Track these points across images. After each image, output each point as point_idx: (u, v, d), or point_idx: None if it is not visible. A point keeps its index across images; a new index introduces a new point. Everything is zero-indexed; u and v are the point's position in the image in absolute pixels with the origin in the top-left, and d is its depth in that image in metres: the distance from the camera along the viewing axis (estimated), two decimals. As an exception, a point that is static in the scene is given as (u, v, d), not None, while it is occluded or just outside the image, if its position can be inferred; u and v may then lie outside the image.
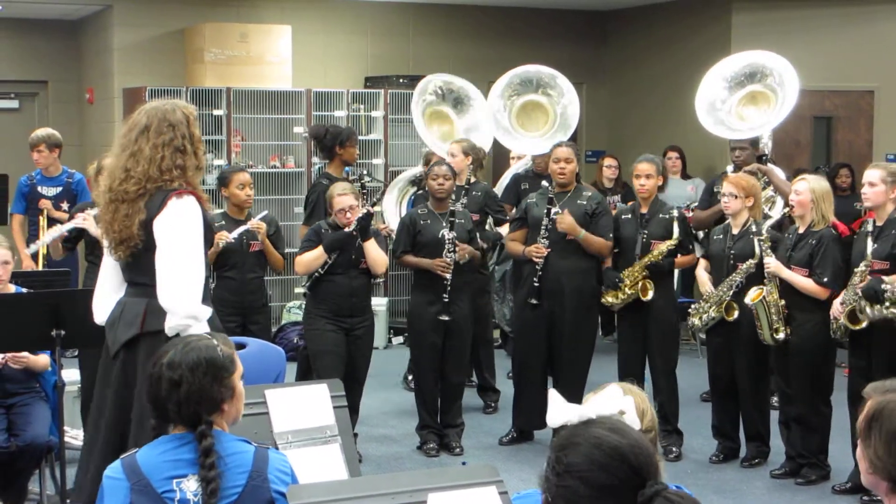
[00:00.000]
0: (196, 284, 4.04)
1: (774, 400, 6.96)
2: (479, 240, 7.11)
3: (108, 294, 4.30)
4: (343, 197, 6.46)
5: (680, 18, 11.62)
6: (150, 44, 10.70)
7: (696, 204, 8.43)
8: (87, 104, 11.39)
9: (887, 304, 5.81)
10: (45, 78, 11.56)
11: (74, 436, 6.18)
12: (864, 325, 5.97)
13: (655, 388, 6.80)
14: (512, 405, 7.17)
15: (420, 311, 6.84)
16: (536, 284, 6.79)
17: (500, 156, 10.10)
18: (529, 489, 2.79)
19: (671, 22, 11.72)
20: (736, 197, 6.52)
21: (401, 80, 10.97)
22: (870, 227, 6.08)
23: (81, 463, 4.36)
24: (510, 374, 8.62)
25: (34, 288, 5.77)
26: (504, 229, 7.69)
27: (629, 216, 6.93)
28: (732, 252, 6.54)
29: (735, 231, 6.59)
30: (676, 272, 8.10)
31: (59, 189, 8.70)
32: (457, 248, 6.68)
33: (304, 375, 6.96)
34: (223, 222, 6.72)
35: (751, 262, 6.37)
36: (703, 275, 6.75)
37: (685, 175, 10.25)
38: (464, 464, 6.42)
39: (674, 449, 6.72)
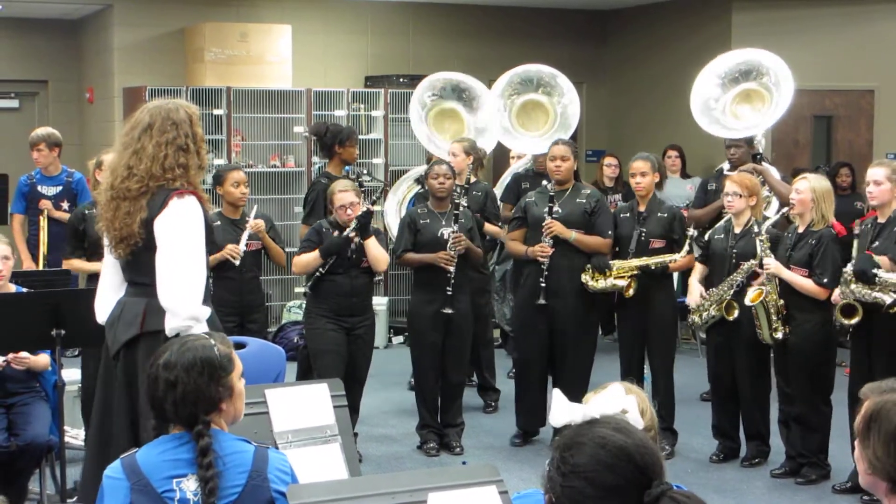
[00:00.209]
0: (197, 285, 4.04)
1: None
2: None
3: (108, 293, 4.30)
4: (344, 193, 6.47)
5: (680, 17, 11.63)
6: (151, 43, 10.70)
7: (692, 203, 8.42)
8: (87, 104, 11.39)
9: (877, 287, 5.82)
10: (45, 77, 11.56)
11: (75, 435, 6.18)
12: (857, 319, 5.98)
13: (654, 387, 6.81)
14: (515, 405, 7.15)
15: (420, 310, 6.84)
16: (543, 285, 6.78)
17: (500, 156, 10.10)
18: (530, 489, 2.79)
19: (671, 21, 11.73)
20: (740, 196, 6.52)
21: (401, 80, 10.98)
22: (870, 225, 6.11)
23: (87, 464, 4.35)
24: (510, 374, 8.64)
25: (34, 287, 5.77)
26: (493, 229, 7.70)
27: (628, 214, 6.93)
28: (735, 251, 6.54)
29: (737, 230, 6.59)
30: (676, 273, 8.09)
31: (59, 188, 8.70)
32: (455, 238, 6.67)
33: (305, 375, 6.96)
34: (219, 222, 6.72)
35: (752, 262, 6.36)
36: (695, 285, 6.73)
37: (685, 174, 10.25)
38: (464, 463, 6.42)
39: (666, 447, 6.72)
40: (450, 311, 6.71)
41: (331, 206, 6.58)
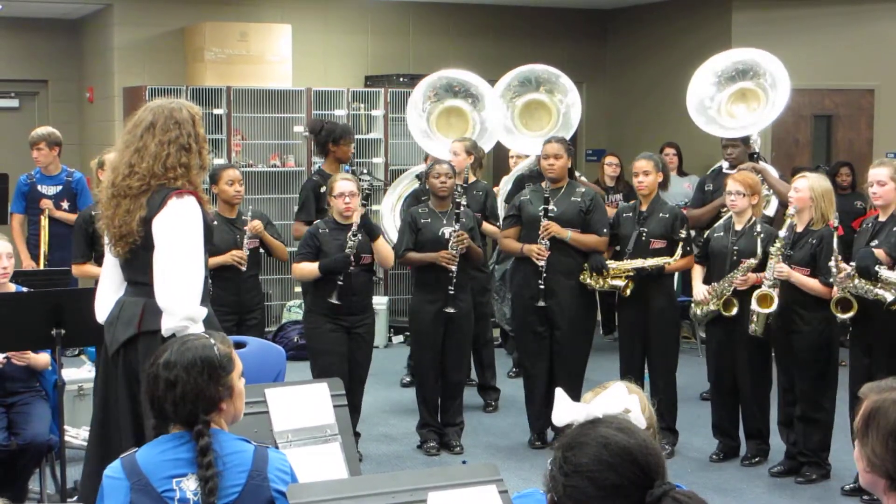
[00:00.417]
0: (194, 286, 4.04)
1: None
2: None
3: (108, 293, 4.30)
4: (344, 182, 6.49)
5: (680, 17, 11.63)
6: (151, 43, 10.70)
7: (689, 202, 8.42)
8: (87, 103, 11.39)
9: (879, 285, 5.83)
10: (45, 77, 11.56)
11: (75, 435, 6.18)
12: (852, 313, 6.00)
13: (654, 386, 6.80)
14: (527, 408, 7.12)
15: (421, 309, 6.84)
16: (542, 287, 6.78)
17: (501, 156, 10.10)
18: (530, 488, 2.79)
19: (671, 20, 11.73)
20: (743, 195, 6.53)
21: (401, 79, 10.98)
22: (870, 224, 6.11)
23: (87, 466, 4.35)
24: (511, 373, 8.65)
25: (34, 287, 5.77)
26: (492, 229, 7.70)
27: (630, 214, 6.93)
28: (735, 248, 6.54)
29: (738, 227, 6.59)
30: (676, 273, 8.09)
31: (59, 188, 8.70)
32: (457, 237, 6.67)
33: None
34: (216, 222, 6.72)
35: (752, 261, 6.35)
36: (698, 284, 6.73)
37: (681, 172, 10.24)
38: (464, 462, 6.42)
39: (667, 447, 6.72)
40: (452, 310, 6.71)
41: (328, 198, 6.58)
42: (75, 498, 5.16)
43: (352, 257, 6.35)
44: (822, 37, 10.96)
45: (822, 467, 6.36)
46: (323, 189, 7.32)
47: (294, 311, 9.86)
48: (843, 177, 9.97)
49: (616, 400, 2.37)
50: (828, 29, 10.99)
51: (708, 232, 6.92)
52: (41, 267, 8.36)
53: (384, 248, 6.54)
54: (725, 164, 7.91)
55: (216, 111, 10.03)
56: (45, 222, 8.61)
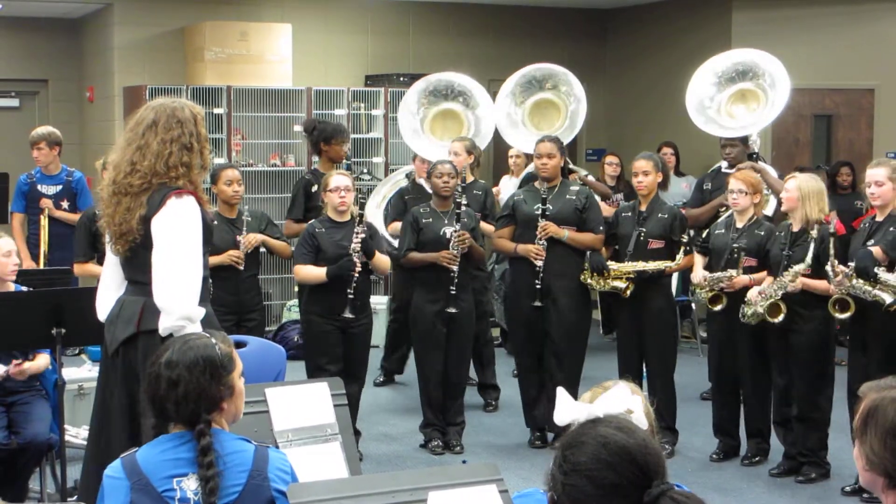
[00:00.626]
0: (192, 285, 4.04)
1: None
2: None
3: (109, 291, 4.31)
4: (339, 176, 6.51)
5: (680, 17, 11.63)
6: (151, 42, 10.70)
7: (688, 202, 8.41)
8: (87, 103, 11.39)
9: (878, 286, 5.84)
10: (45, 76, 11.56)
11: (75, 434, 6.18)
12: (849, 313, 6.02)
13: (651, 386, 6.81)
14: (524, 408, 7.13)
15: (423, 309, 6.83)
16: (539, 287, 6.78)
17: (501, 156, 10.09)
18: (530, 488, 2.79)
19: (672, 20, 11.72)
20: (745, 193, 6.54)
21: (401, 79, 10.97)
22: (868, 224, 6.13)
23: (86, 464, 4.35)
24: (515, 373, 8.64)
25: (34, 286, 5.77)
26: (490, 229, 7.69)
27: (629, 214, 6.93)
28: (735, 245, 6.55)
29: (739, 224, 6.61)
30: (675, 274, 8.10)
31: (59, 187, 8.71)
32: (459, 236, 6.67)
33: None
34: (216, 221, 6.71)
35: (801, 266, 6.22)
36: (699, 270, 6.74)
37: (678, 172, 10.24)
38: (464, 462, 6.41)
39: (667, 446, 6.72)
40: (454, 310, 6.71)
41: (323, 194, 6.57)
42: (75, 497, 5.16)
43: (356, 258, 6.34)
44: (822, 36, 10.96)
45: (821, 466, 6.37)
46: (314, 188, 7.33)
47: (294, 310, 9.85)
48: (844, 176, 9.97)
49: (619, 400, 2.37)
50: (828, 29, 10.99)
51: (711, 227, 6.95)
52: (41, 266, 8.37)
53: (381, 263, 6.55)
54: (724, 164, 7.92)
55: (216, 111, 10.04)
56: (44, 222, 8.62)
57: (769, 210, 7.56)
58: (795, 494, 6.18)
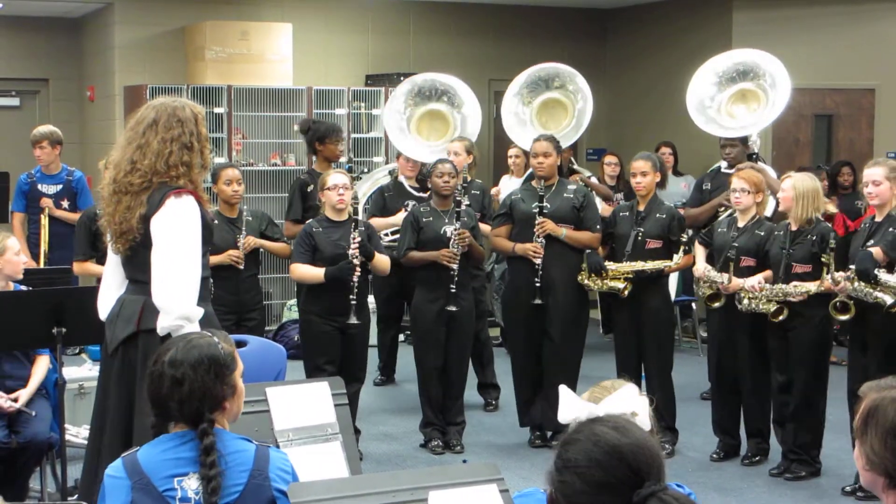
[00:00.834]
0: (191, 285, 4.05)
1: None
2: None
3: (111, 290, 4.32)
4: (337, 175, 6.52)
5: (680, 17, 11.62)
6: (151, 42, 10.70)
7: (687, 202, 8.42)
8: (87, 102, 11.39)
9: (879, 288, 5.84)
10: (45, 76, 11.56)
11: (75, 433, 6.18)
12: (849, 315, 6.04)
13: (650, 385, 6.81)
14: (519, 406, 7.12)
15: (423, 308, 6.84)
16: (538, 284, 6.78)
17: (500, 155, 10.09)
18: (531, 487, 2.79)
19: (672, 20, 11.72)
20: (748, 192, 6.55)
21: (401, 78, 10.93)
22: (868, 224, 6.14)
23: (86, 462, 4.36)
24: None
25: (35, 286, 5.78)
26: (488, 228, 7.70)
27: (627, 213, 6.93)
28: (735, 245, 6.55)
29: (741, 224, 6.61)
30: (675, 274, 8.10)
31: (60, 187, 8.71)
32: (459, 234, 6.67)
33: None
34: (216, 221, 6.71)
35: (812, 288, 6.18)
36: (701, 262, 6.75)
37: (676, 172, 10.24)
38: (464, 462, 6.41)
39: (667, 446, 6.72)
40: (454, 308, 6.72)
41: (320, 193, 6.57)
42: (76, 496, 5.17)
43: (355, 261, 6.34)
44: (822, 36, 10.96)
45: (811, 465, 6.38)
46: (310, 188, 7.34)
47: (294, 309, 9.84)
48: (845, 176, 9.97)
49: (625, 402, 2.38)
50: (828, 28, 11.00)
51: (714, 224, 6.96)
52: (41, 266, 8.37)
53: (381, 264, 6.56)
54: (724, 164, 7.92)
55: (217, 110, 10.04)
56: (45, 221, 8.62)
57: (768, 211, 7.57)
58: (795, 494, 6.18)
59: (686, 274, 8.59)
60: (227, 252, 6.73)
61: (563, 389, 2.37)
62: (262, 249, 7.04)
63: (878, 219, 6.09)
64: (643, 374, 6.93)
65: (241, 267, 6.79)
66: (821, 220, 6.32)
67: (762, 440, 6.69)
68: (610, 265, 6.79)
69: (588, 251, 6.86)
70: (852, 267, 5.98)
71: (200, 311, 4.07)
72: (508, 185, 8.89)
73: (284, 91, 10.42)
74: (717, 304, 6.60)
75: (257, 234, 6.98)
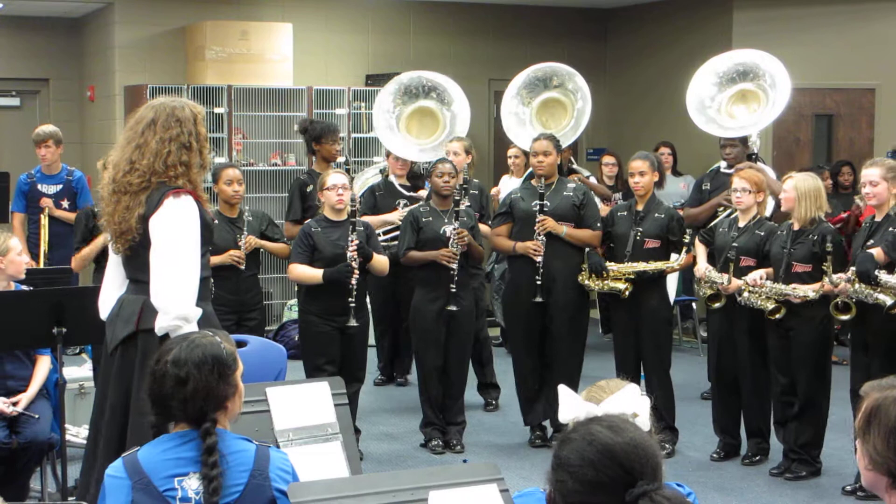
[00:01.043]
0: (189, 285, 4.04)
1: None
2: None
3: (112, 290, 4.32)
4: (336, 175, 6.52)
5: (680, 17, 11.62)
6: (152, 41, 10.70)
7: (686, 202, 8.41)
8: (88, 102, 11.39)
9: (879, 289, 5.85)
10: (46, 76, 11.56)
11: (76, 433, 6.19)
12: (850, 315, 6.05)
13: (649, 384, 6.81)
14: (520, 406, 7.13)
15: (423, 308, 6.84)
16: (539, 282, 6.79)
17: (500, 155, 10.09)
18: (531, 487, 2.79)
19: (672, 20, 11.72)
20: (749, 192, 6.55)
21: (402, 78, 10.96)
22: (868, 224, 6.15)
23: (85, 462, 4.36)
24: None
25: (35, 286, 5.78)
26: (487, 228, 7.69)
27: (625, 213, 6.94)
28: (735, 245, 6.55)
29: (741, 224, 6.62)
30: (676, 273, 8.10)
31: (60, 187, 8.71)
32: (458, 234, 6.67)
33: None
34: (216, 221, 6.71)
35: (811, 293, 6.23)
36: (702, 262, 6.75)
37: (676, 172, 10.24)
38: (465, 462, 6.41)
39: (667, 446, 6.72)
40: (454, 308, 6.72)
41: (319, 193, 6.57)
42: (76, 497, 5.17)
43: (354, 264, 6.34)
44: (822, 36, 10.96)
45: (812, 465, 6.38)
46: (309, 188, 7.34)
47: (294, 309, 9.85)
48: (845, 176, 9.97)
49: (627, 402, 2.38)
50: (828, 28, 10.99)
51: (715, 222, 6.96)
52: (41, 266, 8.37)
53: (380, 265, 6.56)
54: (723, 164, 7.92)
55: (217, 110, 10.04)
56: (45, 221, 8.62)
57: (767, 211, 7.57)
58: (795, 493, 6.18)
59: (686, 274, 8.58)
60: (228, 252, 6.74)
61: (563, 389, 2.37)
62: (262, 249, 7.04)
63: (878, 218, 6.10)
64: (642, 373, 6.93)
65: (243, 267, 6.79)
66: (823, 221, 6.32)
67: (762, 440, 6.69)
68: (611, 266, 6.79)
69: (589, 251, 6.86)
70: (853, 268, 5.98)
71: (199, 312, 4.07)
72: (508, 185, 8.89)
73: (284, 91, 10.42)
74: (717, 305, 6.60)
75: (257, 234, 6.98)
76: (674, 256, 6.84)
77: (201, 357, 2.94)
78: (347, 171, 7.12)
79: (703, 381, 8.00)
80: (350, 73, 11.34)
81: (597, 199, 8.21)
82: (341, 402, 3.68)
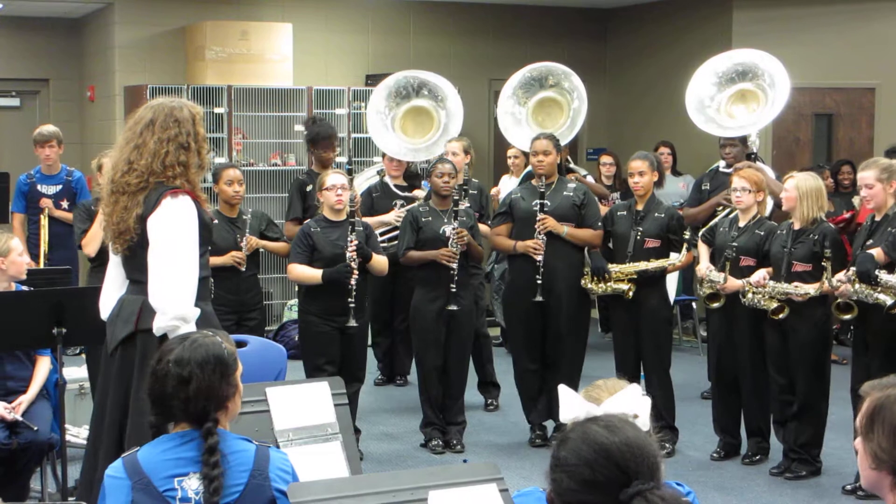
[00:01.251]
0: (187, 286, 4.04)
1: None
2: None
3: (112, 290, 4.33)
4: (335, 175, 6.52)
5: (680, 16, 11.62)
6: (151, 42, 10.70)
7: (686, 202, 8.42)
8: (88, 102, 11.39)
9: (879, 289, 5.85)
10: (46, 76, 11.56)
11: (76, 434, 6.19)
12: (852, 315, 6.07)
13: (649, 384, 6.82)
14: (522, 406, 7.13)
15: (423, 307, 6.84)
16: (540, 281, 6.79)
17: (500, 155, 10.08)
18: (530, 487, 2.79)
19: (672, 20, 11.72)
20: (749, 191, 6.55)
21: (402, 78, 10.95)
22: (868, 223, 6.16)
23: (85, 462, 4.36)
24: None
25: (35, 286, 5.78)
26: (487, 228, 7.69)
27: (624, 213, 6.94)
28: (734, 244, 6.55)
29: (742, 223, 6.62)
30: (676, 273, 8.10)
31: (59, 187, 8.71)
32: (458, 233, 6.67)
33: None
34: (216, 221, 6.72)
35: (811, 291, 6.22)
36: (704, 262, 6.75)
37: (675, 171, 10.24)
38: (465, 461, 6.41)
39: (667, 445, 6.72)
40: (455, 307, 6.72)
41: (318, 193, 6.57)
42: (76, 497, 5.17)
43: (353, 264, 6.34)
44: (822, 36, 10.96)
45: (812, 464, 6.38)
46: (309, 188, 7.34)
47: (295, 309, 9.85)
48: (845, 175, 9.97)
49: (627, 403, 2.38)
50: (828, 28, 10.99)
51: (715, 221, 6.96)
52: (41, 266, 8.37)
53: (379, 265, 6.56)
54: (723, 164, 7.93)
55: (217, 110, 10.04)
56: (44, 221, 8.62)
57: (766, 211, 7.58)
58: (796, 493, 6.18)
59: (686, 273, 8.59)
60: (229, 253, 6.74)
61: (564, 389, 2.37)
62: (262, 249, 7.04)
63: (878, 218, 6.11)
64: (642, 373, 6.93)
65: (243, 268, 6.80)
66: (824, 220, 6.32)
67: (762, 439, 6.69)
68: (613, 267, 6.78)
69: (591, 253, 6.86)
70: (853, 268, 5.99)
71: (197, 312, 4.06)
72: (508, 185, 8.89)
73: (284, 91, 10.42)
74: (716, 305, 6.61)
75: (257, 234, 6.99)
76: (674, 255, 6.84)
77: (204, 356, 2.95)
78: (349, 171, 7.12)
79: (703, 381, 8.00)
80: (350, 73, 11.34)
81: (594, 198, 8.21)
82: (341, 402, 3.68)
